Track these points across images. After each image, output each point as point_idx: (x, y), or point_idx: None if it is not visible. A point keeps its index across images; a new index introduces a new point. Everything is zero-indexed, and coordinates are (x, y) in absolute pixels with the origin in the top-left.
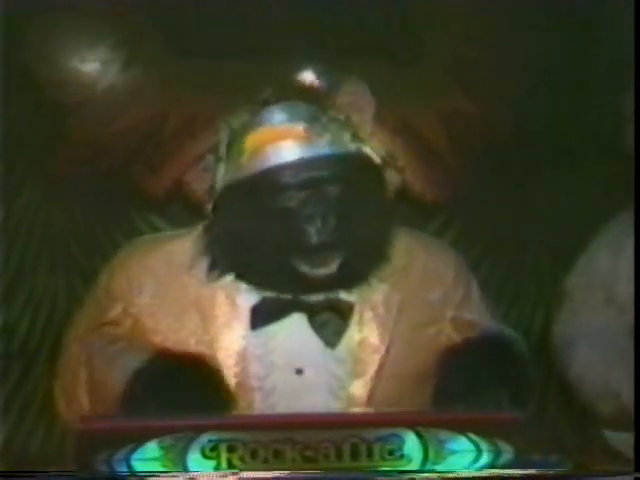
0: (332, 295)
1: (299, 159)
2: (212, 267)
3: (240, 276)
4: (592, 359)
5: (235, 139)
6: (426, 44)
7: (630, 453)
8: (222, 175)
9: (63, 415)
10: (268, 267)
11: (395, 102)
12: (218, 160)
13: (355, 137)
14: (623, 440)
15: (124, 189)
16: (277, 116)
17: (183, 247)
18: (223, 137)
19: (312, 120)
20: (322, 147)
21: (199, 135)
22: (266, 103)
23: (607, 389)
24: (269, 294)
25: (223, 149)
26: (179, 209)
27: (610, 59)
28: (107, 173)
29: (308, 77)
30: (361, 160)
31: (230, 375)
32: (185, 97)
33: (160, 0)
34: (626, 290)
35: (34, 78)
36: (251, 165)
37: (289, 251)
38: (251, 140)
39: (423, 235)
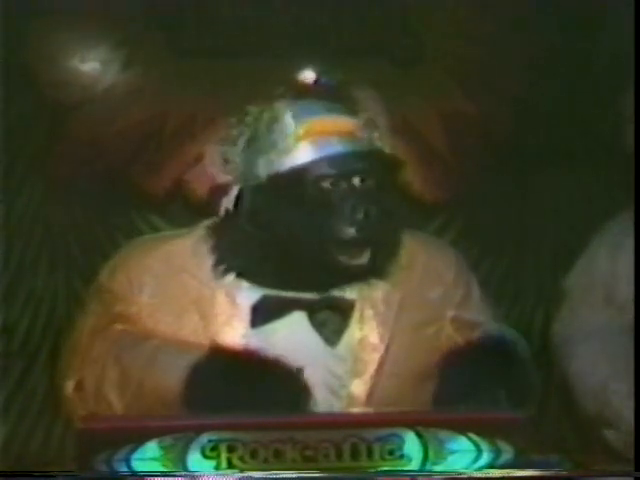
0: (332, 293)
1: (344, 152)
2: (218, 263)
3: (256, 271)
4: (592, 358)
5: (274, 128)
6: (426, 44)
7: (630, 453)
8: (262, 165)
9: (76, 415)
10: (305, 260)
11: (395, 102)
12: (256, 151)
13: (380, 137)
14: (623, 440)
15: (124, 189)
16: (320, 109)
17: (183, 247)
18: (261, 127)
19: (354, 117)
20: (363, 143)
21: (199, 135)
22: (291, 97)
23: (607, 388)
24: (280, 292)
25: (261, 139)
26: (179, 209)
27: (610, 59)
28: (107, 173)
29: (311, 76)
30: (388, 159)
31: None
32: (185, 97)
33: (160, 0)
34: (626, 290)
35: (34, 78)
36: (297, 155)
37: (328, 243)
38: (298, 130)
39: (423, 235)
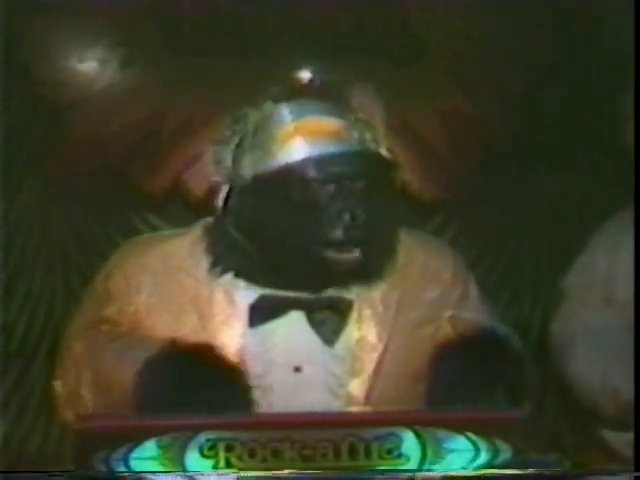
0: (330, 293)
1: (332, 153)
2: (215, 264)
3: (252, 271)
4: (590, 358)
5: (262, 129)
6: (426, 44)
7: (629, 453)
8: (248, 165)
9: (65, 416)
10: (294, 260)
11: (395, 102)
12: (243, 151)
13: (374, 138)
14: (622, 439)
15: (122, 188)
16: (309, 109)
17: (181, 246)
18: (249, 127)
19: (343, 117)
20: (352, 144)
21: (197, 134)
22: (283, 98)
23: (606, 388)
24: (277, 291)
25: (249, 139)
26: (177, 208)
27: (610, 59)
28: (105, 172)
29: (307, 76)
30: (380, 160)
31: None
32: (183, 96)
33: (158, 0)
34: (625, 289)
35: (32, 78)
36: (284, 155)
37: (316, 244)
38: (285, 131)
39: (422, 234)
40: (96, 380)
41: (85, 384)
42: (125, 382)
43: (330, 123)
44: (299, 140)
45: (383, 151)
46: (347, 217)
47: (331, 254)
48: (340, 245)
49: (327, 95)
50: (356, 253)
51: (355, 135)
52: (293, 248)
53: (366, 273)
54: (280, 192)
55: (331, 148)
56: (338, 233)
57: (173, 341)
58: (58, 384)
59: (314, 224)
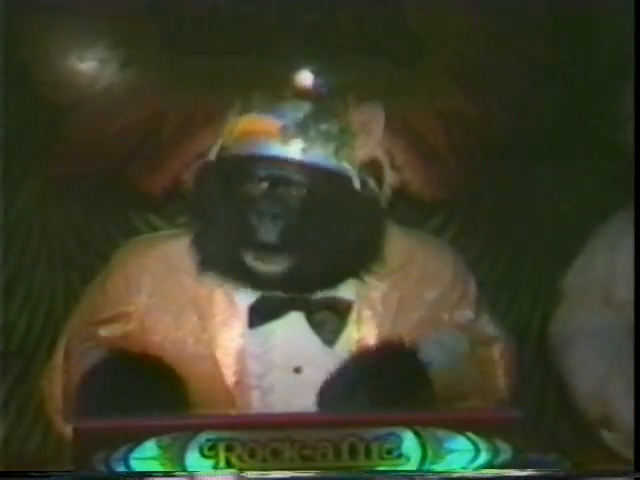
0: (329, 293)
1: (265, 155)
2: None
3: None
4: (590, 358)
5: (228, 119)
6: (425, 44)
7: (629, 453)
8: (212, 151)
9: (48, 415)
10: (223, 257)
11: (394, 102)
12: (218, 137)
13: (339, 152)
14: (621, 440)
15: (122, 188)
16: (266, 109)
17: (181, 246)
18: (230, 117)
19: (295, 123)
20: (292, 150)
21: (197, 134)
22: (277, 98)
23: (605, 388)
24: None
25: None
26: (177, 208)
27: (610, 59)
28: (105, 172)
29: (307, 78)
30: (334, 175)
31: (229, 374)
32: (183, 96)
33: None
34: (624, 289)
35: (32, 78)
36: (231, 149)
37: (239, 242)
38: (239, 125)
39: (422, 234)
40: (63, 383)
41: (57, 386)
42: (74, 386)
43: (275, 125)
44: (245, 136)
45: (346, 168)
46: (267, 220)
47: (251, 262)
48: (260, 249)
49: (323, 99)
50: (279, 265)
51: (300, 143)
52: (221, 244)
53: (294, 283)
54: (221, 185)
55: (267, 150)
56: (256, 235)
57: (115, 350)
58: (42, 382)
59: (240, 223)
